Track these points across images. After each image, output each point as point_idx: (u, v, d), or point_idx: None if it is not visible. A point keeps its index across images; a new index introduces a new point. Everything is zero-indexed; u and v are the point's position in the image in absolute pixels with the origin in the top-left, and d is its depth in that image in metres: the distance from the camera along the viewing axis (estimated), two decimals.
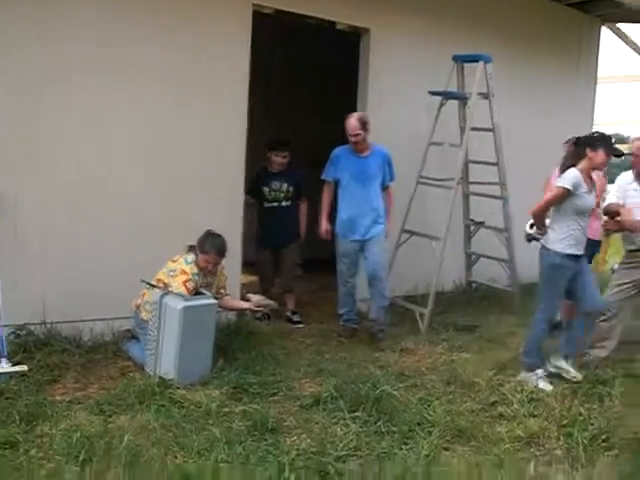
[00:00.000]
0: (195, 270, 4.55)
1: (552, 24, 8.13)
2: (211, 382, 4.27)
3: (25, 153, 4.71)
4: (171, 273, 4.54)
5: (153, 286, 4.49)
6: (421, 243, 6.31)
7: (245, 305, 5.11)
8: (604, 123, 10.23)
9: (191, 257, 4.60)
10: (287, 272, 6.12)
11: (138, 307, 4.66)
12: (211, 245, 4.60)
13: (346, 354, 5.18)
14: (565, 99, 8.43)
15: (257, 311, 5.36)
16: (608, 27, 8.90)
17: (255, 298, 5.14)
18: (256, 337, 5.29)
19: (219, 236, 4.65)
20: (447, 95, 6.31)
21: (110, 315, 4.97)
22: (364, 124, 5.41)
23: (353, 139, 5.43)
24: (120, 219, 5.09)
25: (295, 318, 6.08)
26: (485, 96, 6.22)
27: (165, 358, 4.24)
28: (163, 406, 3.86)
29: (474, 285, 7.34)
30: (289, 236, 6.04)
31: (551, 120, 8.11)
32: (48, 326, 4.76)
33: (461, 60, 6.41)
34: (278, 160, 5.99)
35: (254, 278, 6.52)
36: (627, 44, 9.16)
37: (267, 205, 6.05)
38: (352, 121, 5.39)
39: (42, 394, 4.00)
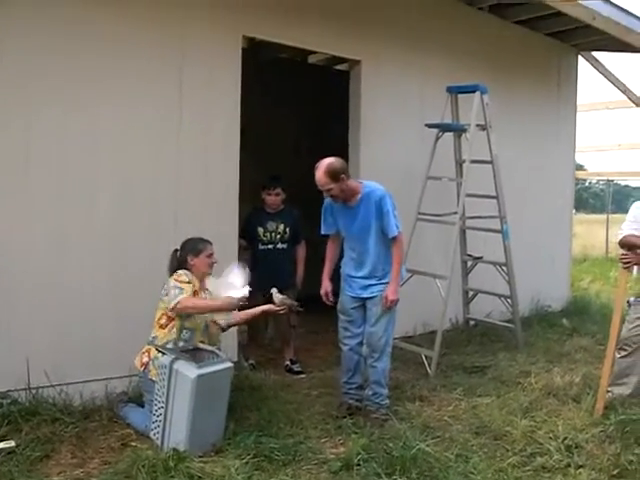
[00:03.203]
0: (188, 273, 4.24)
1: (533, 53, 8.11)
2: (227, 450, 3.83)
3: None
4: (164, 295, 4.17)
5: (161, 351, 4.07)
6: (418, 282, 6.04)
7: (262, 308, 4.57)
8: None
9: (176, 273, 4.24)
10: (282, 320, 5.70)
11: (145, 366, 4.18)
12: (196, 241, 4.35)
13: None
14: (548, 128, 8.40)
15: (280, 311, 4.63)
16: (584, 56, 8.88)
17: (279, 297, 4.57)
18: (260, 392, 4.90)
19: (190, 238, 4.39)
20: (444, 127, 6.10)
21: (101, 375, 4.55)
22: (335, 174, 4.38)
23: (326, 195, 4.54)
24: (108, 267, 4.69)
25: (296, 368, 5.70)
26: (482, 127, 6.03)
27: (175, 427, 3.79)
28: None
29: (472, 322, 7.10)
30: (285, 281, 5.41)
31: (536, 149, 8.06)
32: (34, 392, 4.30)
33: (456, 91, 6.23)
34: (272, 198, 5.63)
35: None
36: (602, 73, 9.13)
37: (262, 247, 5.66)
38: (318, 174, 4.40)
39: (35, 474, 3.55)
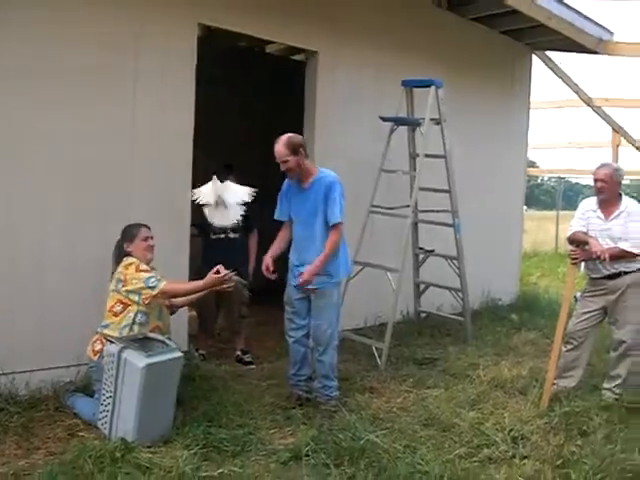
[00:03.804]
0: (137, 260, 4.21)
1: (489, 51, 8.19)
2: (175, 440, 3.79)
3: None
4: (120, 285, 4.13)
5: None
6: (370, 274, 6.07)
7: (209, 279, 4.22)
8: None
9: (125, 260, 4.22)
10: (233, 311, 5.69)
11: (98, 354, 4.09)
12: (131, 227, 4.37)
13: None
14: (501, 124, 8.50)
15: (227, 288, 4.43)
16: (537, 55, 9.00)
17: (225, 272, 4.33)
18: (210, 382, 4.86)
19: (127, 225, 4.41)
20: (398, 121, 6.12)
21: (48, 365, 4.47)
22: (294, 147, 4.41)
23: (283, 167, 4.48)
24: (56, 255, 4.59)
25: (246, 358, 5.67)
26: (437, 122, 6.07)
27: (123, 417, 3.74)
28: (128, 474, 3.35)
29: (423, 315, 7.16)
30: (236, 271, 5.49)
31: (488, 145, 8.15)
32: None
33: (411, 85, 6.26)
34: None
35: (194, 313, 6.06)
36: (555, 73, 9.28)
37: (213, 237, 5.62)
38: (277, 146, 4.41)
39: None
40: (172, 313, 4.55)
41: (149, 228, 4.39)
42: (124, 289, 4.10)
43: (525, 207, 11.43)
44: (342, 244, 4.61)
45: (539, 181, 35.50)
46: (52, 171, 4.55)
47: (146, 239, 4.33)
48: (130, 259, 4.20)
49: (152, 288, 4.06)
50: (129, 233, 4.34)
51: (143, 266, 4.17)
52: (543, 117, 25.41)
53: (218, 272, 4.19)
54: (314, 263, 4.43)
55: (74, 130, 4.61)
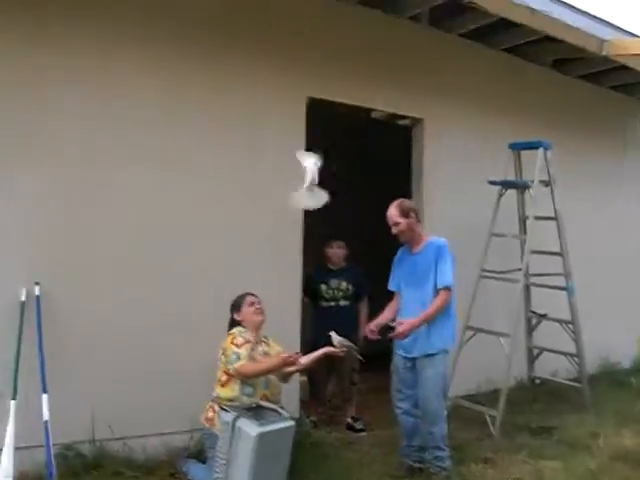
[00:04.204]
0: (241, 329, 4.33)
1: (598, 108, 8.05)
2: None
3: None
4: (221, 355, 4.25)
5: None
6: (482, 339, 5.96)
7: (322, 351, 4.57)
8: None
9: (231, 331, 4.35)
10: (344, 379, 5.72)
11: (210, 421, 4.22)
12: (236, 299, 4.49)
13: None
14: (615, 182, 8.29)
15: (339, 352, 4.60)
16: None
17: (337, 339, 4.58)
18: (321, 449, 4.87)
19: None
20: (507, 184, 6.08)
21: (163, 430, 4.62)
22: (405, 211, 4.53)
23: (394, 230, 4.56)
24: (171, 326, 4.78)
25: (357, 425, 5.66)
26: (546, 184, 5.99)
27: None
28: None
29: (537, 381, 6.93)
30: (347, 338, 5.45)
31: (602, 205, 7.95)
32: (98, 444, 4.38)
33: (519, 148, 6.22)
34: (334, 251, 5.70)
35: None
36: None
37: (324, 304, 5.68)
38: (390, 209, 4.56)
39: None
40: (286, 381, 4.59)
41: (254, 295, 4.51)
42: (224, 359, 4.21)
43: None
44: (451, 313, 4.58)
45: None
46: (168, 240, 4.81)
47: (252, 304, 4.44)
48: (233, 330, 4.32)
49: (232, 365, 4.13)
50: (236, 304, 4.49)
51: (239, 339, 4.22)
52: None
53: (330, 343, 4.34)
54: (417, 318, 4.41)
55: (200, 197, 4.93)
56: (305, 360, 4.56)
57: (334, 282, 5.66)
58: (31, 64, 4.33)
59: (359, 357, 4.82)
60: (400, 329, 4.39)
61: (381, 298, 4.87)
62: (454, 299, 4.55)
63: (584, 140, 7.79)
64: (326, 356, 4.67)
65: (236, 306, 4.48)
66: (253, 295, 4.51)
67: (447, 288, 4.44)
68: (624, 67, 7.12)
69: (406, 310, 4.61)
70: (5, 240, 4.26)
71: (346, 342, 4.58)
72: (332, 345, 4.56)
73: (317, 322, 5.67)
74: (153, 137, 4.76)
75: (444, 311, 4.49)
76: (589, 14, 7.10)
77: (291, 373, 4.59)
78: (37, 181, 4.34)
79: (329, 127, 7.54)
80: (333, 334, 4.57)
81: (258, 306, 4.45)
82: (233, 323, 4.44)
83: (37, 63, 4.34)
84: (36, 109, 4.34)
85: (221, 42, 5.04)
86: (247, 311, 4.43)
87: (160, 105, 4.80)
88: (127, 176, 4.64)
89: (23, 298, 4.22)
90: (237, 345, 4.18)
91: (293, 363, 4.29)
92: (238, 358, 4.12)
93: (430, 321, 4.45)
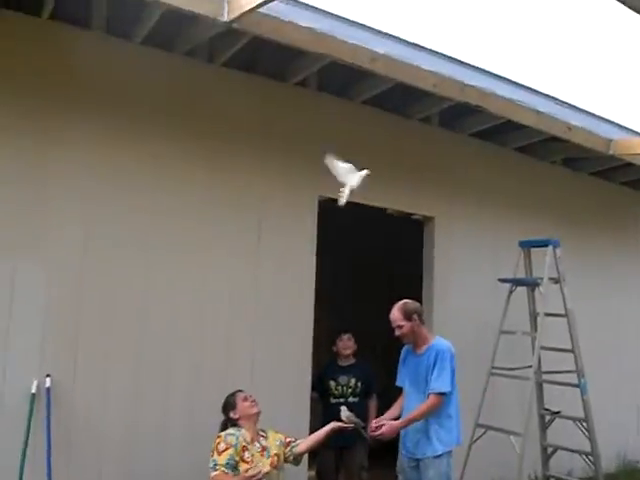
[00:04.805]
0: (231, 431, 4.27)
1: (607, 203, 8.17)
2: None
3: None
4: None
5: None
6: (493, 437, 5.90)
7: (330, 426, 4.56)
8: None
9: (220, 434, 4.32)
10: (352, 475, 5.63)
11: None
12: (227, 399, 4.46)
13: None
14: (627, 278, 8.29)
15: (347, 427, 4.62)
16: None
17: (346, 413, 4.61)
18: None
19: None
20: (517, 282, 6.14)
21: None
22: (409, 313, 4.53)
23: (397, 332, 4.57)
24: (180, 397, 4.89)
25: None
26: (556, 281, 6.04)
27: None
28: None
29: None
30: (355, 435, 5.14)
31: (614, 301, 7.95)
32: None
33: (528, 245, 6.31)
34: (344, 344, 5.68)
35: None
36: None
37: (333, 401, 5.63)
38: (393, 312, 4.57)
39: None
40: (297, 462, 4.57)
41: (242, 391, 4.50)
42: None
43: None
44: (452, 413, 4.53)
45: None
46: (175, 332, 4.91)
47: (246, 399, 4.44)
48: (221, 433, 4.29)
49: (210, 472, 4.13)
50: (230, 402, 4.46)
51: (222, 445, 4.18)
52: None
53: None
54: (401, 420, 4.45)
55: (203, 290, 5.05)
56: (314, 438, 4.59)
57: (343, 379, 5.64)
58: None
59: (366, 436, 4.78)
60: (383, 430, 4.40)
61: (388, 393, 4.91)
62: (456, 399, 4.53)
63: (594, 234, 7.86)
64: (335, 452, 4.95)
65: (231, 404, 4.45)
66: (241, 391, 4.52)
67: (438, 393, 4.43)
68: (630, 164, 7.25)
69: (408, 409, 4.61)
70: (18, 333, 4.36)
71: (354, 418, 4.63)
72: (340, 420, 4.59)
73: (326, 418, 5.61)
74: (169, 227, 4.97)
75: (442, 413, 4.47)
76: (594, 115, 7.33)
77: (302, 453, 4.57)
78: (46, 274, 4.48)
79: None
80: (343, 408, 4.61)
81: (252, 399, 4.46)
82: (227, 423, 4.42)
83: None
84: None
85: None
86: (243, 406, 4.41)
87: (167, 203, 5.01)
88: (143, 273, 4.81)
89: (34, 390, 4.30)
90: (218, 452, 4.16)
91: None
92: (214, 467, 4.13)
93: (418, 422, 4.45)
